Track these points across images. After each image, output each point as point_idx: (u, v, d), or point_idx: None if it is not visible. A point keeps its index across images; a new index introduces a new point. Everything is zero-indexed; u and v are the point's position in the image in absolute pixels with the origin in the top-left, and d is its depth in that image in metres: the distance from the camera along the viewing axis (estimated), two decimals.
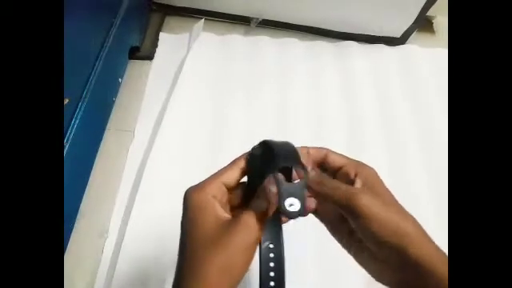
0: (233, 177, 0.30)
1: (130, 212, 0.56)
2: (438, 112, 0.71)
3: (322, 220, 0.32)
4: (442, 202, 0.59)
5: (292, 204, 0.25)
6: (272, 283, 0.27)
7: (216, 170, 0.30)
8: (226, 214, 0.28)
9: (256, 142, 0.31)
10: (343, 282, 0.52)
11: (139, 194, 0.58)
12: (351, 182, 0.29)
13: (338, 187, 0.28)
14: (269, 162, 0.28)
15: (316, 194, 0.29)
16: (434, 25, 0.88)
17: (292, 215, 0.25)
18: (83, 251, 0.54)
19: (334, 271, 0.53)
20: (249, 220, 0.26)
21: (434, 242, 0.26)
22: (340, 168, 0.31)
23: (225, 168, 0.30)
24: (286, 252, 0.29)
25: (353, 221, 0.28)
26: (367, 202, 0.27)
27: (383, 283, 0.28)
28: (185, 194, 0.29)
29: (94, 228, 0.56)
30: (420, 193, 0.61)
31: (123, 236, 0.55)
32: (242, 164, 0.30)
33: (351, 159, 0.31)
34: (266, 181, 0.27)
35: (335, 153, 0.32)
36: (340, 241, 0.31)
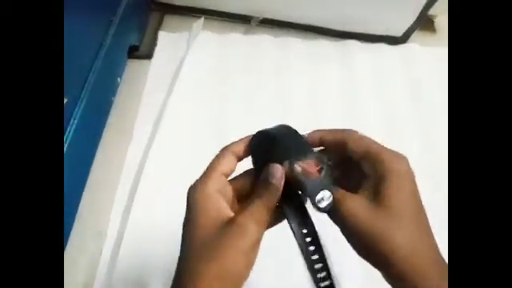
0: (228, 164, 0.28)
1: (128, 212, 0.56)
2: (439, 111, 0.71)
3: None
4: (441, 201, 0.59)
5: (322, 198, 0.24)
6: (318, 265, 0.26)
7: None
8: (230, 213, 0.26)
9: None
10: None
11: (138, 193, 0.58)
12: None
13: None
14: (276, 153, 0.27)
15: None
16: (435, 24, 0.87)
17: (325, 209, 0.24)
18: (82, 252, 0.54)
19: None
20: (245, 221, 0.25)
21: (440, 270, 0.24)
22: (364, 156, 0.26)
23: (218, 157, 0.29)
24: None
25: (340, 230, 0.26)
26: (355, 211, 0.24)
27: None
28: (188, 191, 0.27)
29: (93, 228, 0.56)
30: (420, 193, 0.60)
31: (122, 236, 0.54)
32: (235, 149, 0.29)
33: (373, 148, 0.26)
34: (267, 171, 0.26)
35: (359, 136, 0.27)
36: None
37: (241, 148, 0.29)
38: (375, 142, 0.27)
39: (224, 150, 0.29)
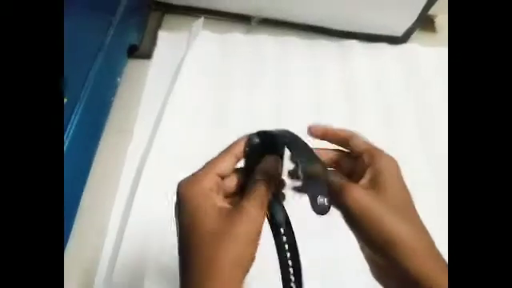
0: (228, 166, 0.29)
1: (128, 212, 0.56)
2: (439, 111, 0.71)
3: None
4: (443, 202, 0.59)
5: (322, 201, 0.25)
6: (291, 269, 0.27)
7: None
8: (226, 205, 0.27)
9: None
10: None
11: (138, 194, 0.57)
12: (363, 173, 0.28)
13: (331, 179, 0.27)
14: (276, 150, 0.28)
15: None
16: (435, 24, 0.87)
17: (323, 212, 0.24)
18: (82, 251, 0.54)
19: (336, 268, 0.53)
20: (251, 209, 0.26)
21: (437, 256, 0.25)
22: (361, 154, 0.29)
23: (219, 157, 0.29)
24: None
25: (343, 217, 0.27)
26: (358, 197, 0.25)
27: (380, 284, 0.27)
28: (178, 187, 0.27)
29: (93, 228, 0.56)
30: (422, 193, 0.60)
31: (122, 236, 0.54)
32: (236, 151, 0.29)
33: (372, 146, 0.29)
34: (266, 162, 0.28)
35: (360, 138, 0.30)
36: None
37: (240, 149, 0.30)
38: (369, 143, 0.30)
39: (225, 151, 0.30)
